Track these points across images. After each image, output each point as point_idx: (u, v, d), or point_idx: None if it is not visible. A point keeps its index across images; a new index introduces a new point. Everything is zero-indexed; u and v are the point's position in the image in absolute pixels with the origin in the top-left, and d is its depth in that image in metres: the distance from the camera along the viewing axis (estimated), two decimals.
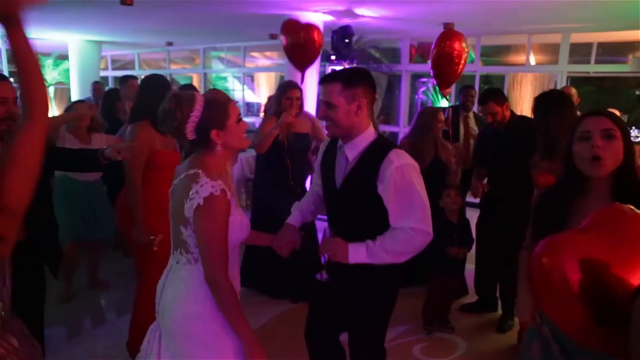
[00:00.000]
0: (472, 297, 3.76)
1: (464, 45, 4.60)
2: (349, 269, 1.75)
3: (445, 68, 4.59)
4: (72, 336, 3.29)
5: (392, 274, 1.87)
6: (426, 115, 3.67)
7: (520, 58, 7.99)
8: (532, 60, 7.57)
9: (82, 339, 3.25)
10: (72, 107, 3.69)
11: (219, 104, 1.57)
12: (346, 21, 6.29)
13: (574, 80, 7.61)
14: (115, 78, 11.81)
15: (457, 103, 4.87)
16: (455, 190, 3.33)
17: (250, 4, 5.64)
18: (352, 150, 1.81)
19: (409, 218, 1.70)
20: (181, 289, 1.61)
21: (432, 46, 4.69)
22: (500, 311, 3.51)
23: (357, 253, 1.72)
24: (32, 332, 2.28)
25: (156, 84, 2.78)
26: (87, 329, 3.42)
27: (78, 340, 3.23)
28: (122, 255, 4.60)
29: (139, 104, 2.77)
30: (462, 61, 4.57)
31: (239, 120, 1.61)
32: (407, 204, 1.70)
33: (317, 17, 6.19)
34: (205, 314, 1.57)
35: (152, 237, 2.56)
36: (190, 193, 1.51)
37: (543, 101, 2.80)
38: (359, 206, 1.80)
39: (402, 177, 1.69)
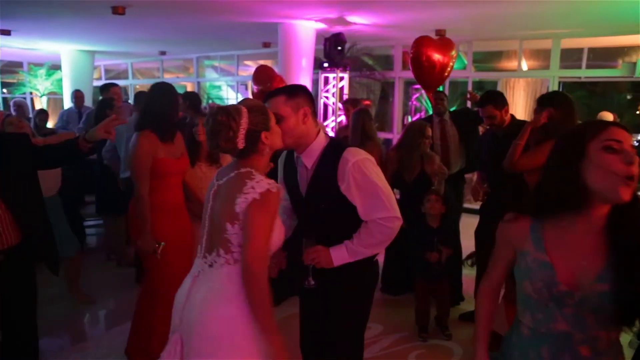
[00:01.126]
0: (473, 305, 3.71)
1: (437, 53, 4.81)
2: (333, 270, 1.84)
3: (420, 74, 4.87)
4: (64, 348, 3.24)
5: (370, 275, 1.99)
6: (413, 133, 3.66)
7: (512, 64, 8.04)
8: (524, 65, 7.62)
9: (74, 350, 3.20)
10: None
11: (260, 108, 1.66)
12: (338, 29, 6.31)
13: (567, 86, 7.66)
14: None
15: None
16: (437, 196, 3.36)
17: (243, 12, 5.65)
18: (309, 159, 1.87)
19: (377, 209, 1.78)
20: (217, 290, 1.58)
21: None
22: None
23: (339, 255, 1.82)
24: (24, 335, 2.31)
25: (165, 91, 2.82)
26: (79, 340, 3.37)
27: (70, 352, 3.18)
28: (115, 265, 4.56)
29: (147, 111, 2.78)
30: (437, 67, 4.74)
31: (276, 121, 1.72)
32: (371, 196, 1.77)
33: (309, 25, 6.22)
34: (241, 316, 1.55)
35: (157, 245, 2.62)
36: (245, 188, 1.54)
37: (545, 100, 2.78)
38: (327, 209, 1.86)
39: (360, 173, 1.76)
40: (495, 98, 3.28)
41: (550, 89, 6.70)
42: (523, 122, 3.52)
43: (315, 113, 1.88)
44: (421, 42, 5.02)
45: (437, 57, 4.85)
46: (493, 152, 3.30)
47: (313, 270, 1.86)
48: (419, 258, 3.29)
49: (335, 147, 1.85)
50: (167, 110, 2.76)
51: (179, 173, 2.85)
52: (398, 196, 3.98)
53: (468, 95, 4.78)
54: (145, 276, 2.86)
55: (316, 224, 1.93)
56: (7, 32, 7.11)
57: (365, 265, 1.90)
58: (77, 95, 6.48)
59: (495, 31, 6.71)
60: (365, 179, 1.77)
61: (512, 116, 3.36)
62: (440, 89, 5.28)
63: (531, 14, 5.45)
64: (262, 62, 10.87)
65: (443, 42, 5.12)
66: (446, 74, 5.07)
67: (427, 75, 4.97)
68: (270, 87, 5.19)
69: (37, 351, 2.42)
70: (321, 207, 1.87)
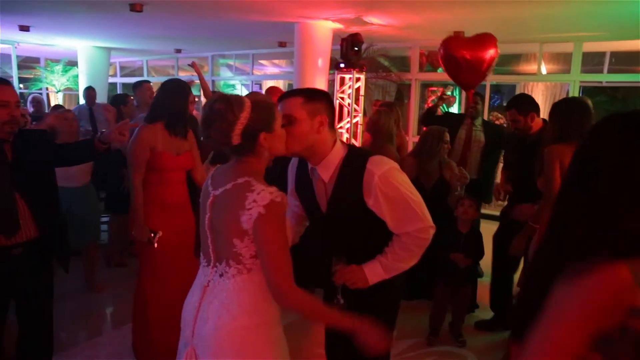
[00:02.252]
0: (488, 314, 3.62)
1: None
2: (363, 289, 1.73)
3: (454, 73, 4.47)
4: (78, 342, 3.24)
5: (399, 284, 1.86)
6: (432, 139, 3.57)
7: (531, 67, 7.91)
8: (544, 69, 7.49)
9: (87, 345, 3.20)
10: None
11: (267, 106, 1.49)
12: (355, 29, 6.26)
13: (587, 90, 7.52)
14: (124, 85, 11.87)
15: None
16: (471, 201, 3.28)
17: (259, 12, 5.63)
18: (326, 171, 1.72)
19: (410, 222, 1.67)
20: (231, 301, 1.47)
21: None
22: None
23: (374, 273, 1.70)
24: (41, 328, 2.35)
25: (177, 87, 2.83)
26: (92, 335, 3.36)
27: (83, 347, 3.17)
28: (105, 264, 4.53)
29: (156, 105, 2.81)
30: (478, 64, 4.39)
31: (283, 124, 1.56)
32: (403, 209, 1.66)
33: (326, 25, 6.18)
34: (255, 328, 1.48)
35: (152, 235, 2.65)
36: (246, 203, 1.39)
37: (561, 104, 2.69)
38: (352, 225, 1.74)
39: (389, 186, 1.64)
40: (520, 102, 3.19)
41: (571, 94, 6.58)
42: None
43: (332, 123, 1.71)
44: (456, 40, 4.65)
45: (475, 54, 4.37)
46: (519, 155, 3.22)
47: (343, 288, 1.74)
48: (443, 261, 3.21)
49: (357, 158, 1.69)
50: (178, 104, 2.78)
51: (179, 169, 2.82)
52: None
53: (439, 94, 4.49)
54: (138, 276, 2.85)
55: (341, 239, 1.80)
56: (26, 28, 7.19)
57: (394, 277, 1.77)
58: (89, 94, 6.46)
59: (514, 33, 6.59)
60: (395, 192, 1.64)
61: (545, 122, 3.18)
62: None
63: (552, 16, 5.34)
64: (277, 61, 10.89)
65: (483, 38, 4.57)
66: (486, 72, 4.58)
67: (465, 73, 4.44)
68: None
69: (52, 344, 2.46)
70: (347, 223, 1.75)
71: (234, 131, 1.42)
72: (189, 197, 2.92)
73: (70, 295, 3.76)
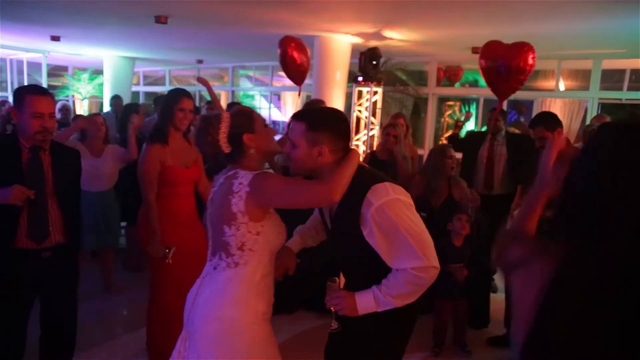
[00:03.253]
0: (501, 329, 3.57)
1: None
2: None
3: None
4: (95, 344, 3.31)
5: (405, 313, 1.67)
6: (435, 155, 3.58)
7: (549, 83, 7.89)
8: (562, 86, 7.46)
9: (105, 347, 3.28)
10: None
11: (243, 112, 1.73)
12: (374, 43, 6.34)
13: (606, 107, 7.45)
14: (146, 93, 12.14)
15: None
16: (467, 216, 3.29)
17: (280, 25, 5.75)
18: None
19: (407, 258, 1.53)
20: (218, 292, 1.63)
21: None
22: None
23: (365, 303, 1.59)
24: (66, 328, 2.47)
25: (164, 100, 2.87)
26: (109, 337, 3.45)
27: (101, 348, 3.26)
28: (122, 268, 4.61)
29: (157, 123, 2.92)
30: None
31: (266, 125, 1.74)
32: (399, 245, 1.53)
33: (346, 39, 6.28)
34: (240, 320, 1.60)
35: (167, 251, 2.66)
36: (234, 187, 1.59)
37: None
38: (353, 247, 1.66)
39: (385, 218, 1.52)
40: (546, 119, 3.18)
41: (590, 111, 6.54)
42: (577, 147, 3.38)
43: (339, 150, 1.63)
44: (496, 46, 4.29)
45: (516, 61, 4.12)
46: None
47: (336, 312, 1.69)
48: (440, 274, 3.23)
49: (360, 185, 1.58)
50: (163, 120, 2.80)
51: (189, 182, 2.84)
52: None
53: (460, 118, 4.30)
54: (151, 284, 2.88)
55: (343, 259, 1.79)
56: (56, 38, 7.47)
57: (398, 309, 1.61)
58: (116, 102, 6.68)
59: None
60: (391, 225, 1.52)
61: (568, 140, 3.22)
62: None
63: (571, 34, 5.35)
64: None
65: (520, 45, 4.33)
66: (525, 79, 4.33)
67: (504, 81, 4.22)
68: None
69: (74, 345, 2.57)
70: (347, 245, 1.71)
71: (219, 141, 1.65)
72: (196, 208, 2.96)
73: (87, 297, 3.81)
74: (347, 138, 1.68)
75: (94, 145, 3.80)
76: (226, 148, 1.66)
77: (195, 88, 10.53)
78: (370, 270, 1.63)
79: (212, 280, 1.66)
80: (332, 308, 1.68)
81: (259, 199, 1.58)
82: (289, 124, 3.41)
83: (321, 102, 4.20)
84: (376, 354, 1.70)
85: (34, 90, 2.26)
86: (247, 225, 1.60)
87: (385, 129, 4.11)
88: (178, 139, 2.80)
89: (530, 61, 4.11)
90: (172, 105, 2.74)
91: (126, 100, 9.01)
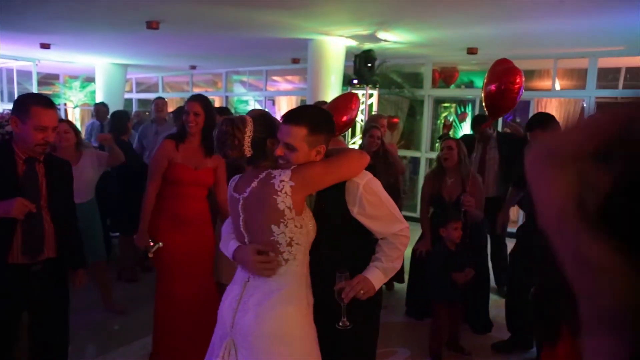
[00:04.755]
0: (504, 334, 3.49)
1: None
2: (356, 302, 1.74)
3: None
4: (88, 358, 3.22)
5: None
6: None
7: (544, 83, 7.86)
8: (557, 85, 7.44)
9: None
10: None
11: (266, 117, 1.79)
12: (368, 46, 6.29)
13: (602, 106, 7.43)
14: (139, 100, 12.04)
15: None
16: (456, 223, 3.21)
17: (274, 28, 5.69)
18: None
19: (394, 224, 1.79)
20: (271, 292, 1.65)
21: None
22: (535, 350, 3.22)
23: (377, 279, 1.75)
24: (57, 342, 2.36)
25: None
26: (103, 351, 3.35)
27: None
28: (125, 282, 4.51)
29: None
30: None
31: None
32: (385, 214, 1.78)
33: (340, 42, 6.22)
34: (298, 314, 1.65)
35: (151, 244, 2.70)
36: (275, 186, 1.62)
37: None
38: (339, 235, 1.81)
39: (372, 193, 1.75)
40: (543, 121, 3.07)
41: (587, 110, 6.51)
42: None
43: (328, 144, 1.76)
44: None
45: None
46: None
47: (346, 308, 1.70)
48: (438, 281, 3.18)
49: None
50: (177, 122, 2.97)
51: (197, 185, 2.83)
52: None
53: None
54: (158, 283, 2.88)
55: (328, 247, 1.81)
56: (47, 46, 7.38)
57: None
58: (98, 109, 6.50)
59: (528, 49, 6.58)
60: (377, 198, 1.77)
61: None
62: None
63: (567, 32, 5.32)
64: (290, 77, 10.97)
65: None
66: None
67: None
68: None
69: (66, 358, 2.46)
70: (333, 233, 1.79)
71: (244, 145, 1.68)
72: (210, 215, 2.92)
73: (80, 310, 3.71)
74: (335, 129, 1.89)
75: (66, 155, 3.51)
76: (248, 152, 1.69)
77: (189, 94, 10.44)
78: (355, 257, 1.80)
79: (260, 282, 1.67)
80: (344, 302, 1.67)
81: (306, 189, 1.64)
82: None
83: (324, 103, 4.15)
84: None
85: (41, 102, 2.15)
86: (294, 220, 1.64)
87: (367, 131, 4.14)
88: (194, 142, 2.85)
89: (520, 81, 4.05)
90: (182, 108, 2.95)
91: (118, 107, 8.90)
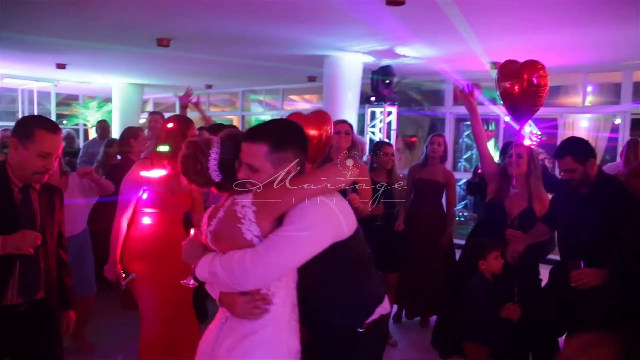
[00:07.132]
0: None
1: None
2: None
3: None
4: None
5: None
6: None
7: (572, 99, 7.48)
8: (588, 101, 7.06)
9: None
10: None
11: (234, 136, 1.54)
12: (387, 61, 6.07)
13: (637, 122, 6.98)
14: None
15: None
16: (497, 252, 2.82)
17: (289, 45, 5.55)
18: None
19: None
20: (244, 335, 1.45)
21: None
22: None
23: None
24: None
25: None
26: None
27: None
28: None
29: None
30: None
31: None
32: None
33: (357, 58, 6.01)
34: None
35: (123, 275, 2.55)
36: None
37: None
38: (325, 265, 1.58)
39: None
40: (576, 148, 2.64)
41: (621, 127, 6.11)
42: (610, 177, 2.81)
43: (304, 162, 1.51)
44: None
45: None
46: (571, 211, 2.68)
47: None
48: (472, 316, 2.77)
49: None
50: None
51: (173, 209, 2.64)
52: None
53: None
54: (141, 314, 2.65)
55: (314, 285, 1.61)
56: (62, 66, 7.42)
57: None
58: (102, 126, 6.35)
59: (556, 62, 6.24)
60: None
61: (600, 169, 2.70)
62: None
63: (598, 43, 5.00)
64: (307, 96, 10.83)
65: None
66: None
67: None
68: None
69: None
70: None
71: (209, 168, 1.48)
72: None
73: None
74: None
75: (52, 182, 3.16)
76: (216, 176, 1.50)
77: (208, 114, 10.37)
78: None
79: (235, 323, 1.47)
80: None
81: (271, 213, 1.42)
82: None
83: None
84: None
85: (47, 126, 1.93)
86: None
87: (379, 149, 3.96)
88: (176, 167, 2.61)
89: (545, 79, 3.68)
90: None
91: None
